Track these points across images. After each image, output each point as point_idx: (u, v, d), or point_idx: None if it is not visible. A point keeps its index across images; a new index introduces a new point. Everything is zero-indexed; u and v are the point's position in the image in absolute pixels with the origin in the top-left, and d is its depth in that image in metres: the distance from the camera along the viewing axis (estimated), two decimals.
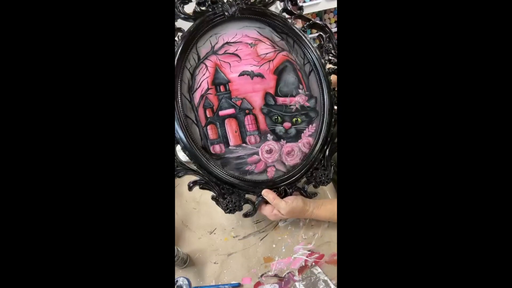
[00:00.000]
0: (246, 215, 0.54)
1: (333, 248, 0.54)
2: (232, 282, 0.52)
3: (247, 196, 0.53)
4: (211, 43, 0.52)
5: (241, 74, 0.53)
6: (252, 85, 0.54)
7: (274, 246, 0.56)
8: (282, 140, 0.54)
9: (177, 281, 0.46)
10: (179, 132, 0.49)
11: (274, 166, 0.54)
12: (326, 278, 0.51)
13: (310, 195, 0.55)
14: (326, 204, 0.53)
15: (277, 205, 0.51)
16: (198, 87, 0.52)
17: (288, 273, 0.52)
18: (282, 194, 0.53)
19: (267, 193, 0.51)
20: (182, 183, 0.72)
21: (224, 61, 0.53)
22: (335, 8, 1.47)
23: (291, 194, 0.54)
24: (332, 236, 0.56)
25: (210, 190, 0.52)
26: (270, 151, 0.54)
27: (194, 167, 0.51)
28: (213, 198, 0.52)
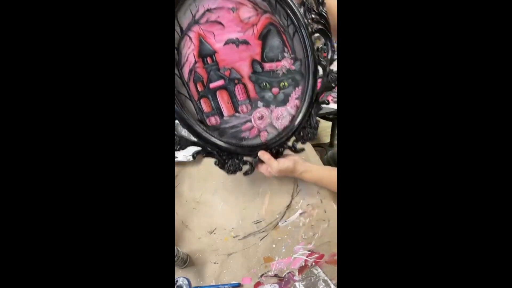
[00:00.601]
0: (245, 174, 0.60)
1: (333, 248, 0.54)
2: (232, 282, 0.52)
3: (245, 158, 0.59)
4: (191, 12, 0.49)
5: (226, 43, 0.51)
6: (239, 53, 0.53)
7: (274, 246, 0.56)
8: (271, 105, 0.57)
9: (177, 281, 0.46)
10: (176, 108, 0.51)
11: (266, 130, 0.58)
12: (326, 278, 0.51)
13: (299, 151, 0.61)
14: (314, 170, 0.59)
15: (270, 165, 0.57)
16: (186, 62, 0.50)
17: (288, 273, 0.52)
18: (275, 153, 0.59)
19: (262, 154, 0.57)
20: (182, 183, 0.72)
21: (207, 31, 0.50)
22: None
23: (282, 153, 0.60)
24: (332, 236, 0.56)
25: (212, 157, 0.56)
26: (261, 117, 0.57)
27: (195, 139, 0.54)
28: (215, 163, 0.57)
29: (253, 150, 0.57)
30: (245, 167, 0.59)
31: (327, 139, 1.85)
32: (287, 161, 0.57)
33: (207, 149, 0.55)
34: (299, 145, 0.61)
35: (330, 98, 0.84)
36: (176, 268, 0.54)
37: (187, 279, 0.47)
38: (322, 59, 0.55)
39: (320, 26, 0.53)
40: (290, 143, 0.60)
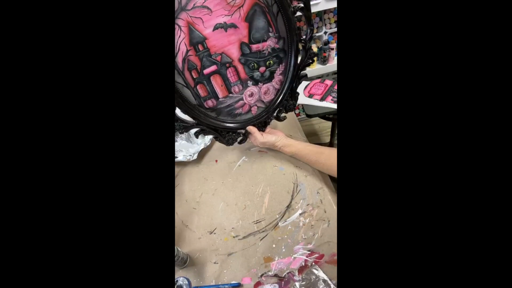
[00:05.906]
0: (240, 142, 0.69)
1: (333, 248, 0.54)
2: (232, 282, 0.52)
3: (239, 130, 0.67)
4: None
5: (215, 28, 0.52)
6: (227, 37, 0.54)
7: (274, 246, 0.56)
8: (259, 83, 0.63)
9: (177, 281, 0.46)
10: (176, 98, 0.54)
11: (256, 105, 0.66)
12: (326, 278, 0.51)
13: (282, 119, 0.70)
14: (292, 146, 0.66)
15: (256, 138, 0.66)
16: (178, 51, 0.51)
17: (288, 273, 0.52)
18: (263, 124, 0.69)
19: (250, 128, 0.67)
20: (182, 183, 0.72)
21: (196, 17, 0.50)
22: (335, 8, 1.47)
23: (269, 123, 0.70)
24: (332, 236, 0.56)
25: (212, 134, 0.63)
26: (251, 95, 0.63)
27: (195, 121, 0.59)
28: (215, 138, 0.64)
29: (246, 124, 0.66)
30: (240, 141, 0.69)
31: (327, 139, 1.85)
32: (268, 136, 0.66)
33: (205, 130, 0.61)
34: (282, 115, 0.70)
35: (330, 98, 0.85)
36: (176, 268, 0.54)
37: (187, 279, 0.47)
38: (302, 37, 0.60)
39: (301, 5, 0.56)
40: (275, 114, 0.69)
